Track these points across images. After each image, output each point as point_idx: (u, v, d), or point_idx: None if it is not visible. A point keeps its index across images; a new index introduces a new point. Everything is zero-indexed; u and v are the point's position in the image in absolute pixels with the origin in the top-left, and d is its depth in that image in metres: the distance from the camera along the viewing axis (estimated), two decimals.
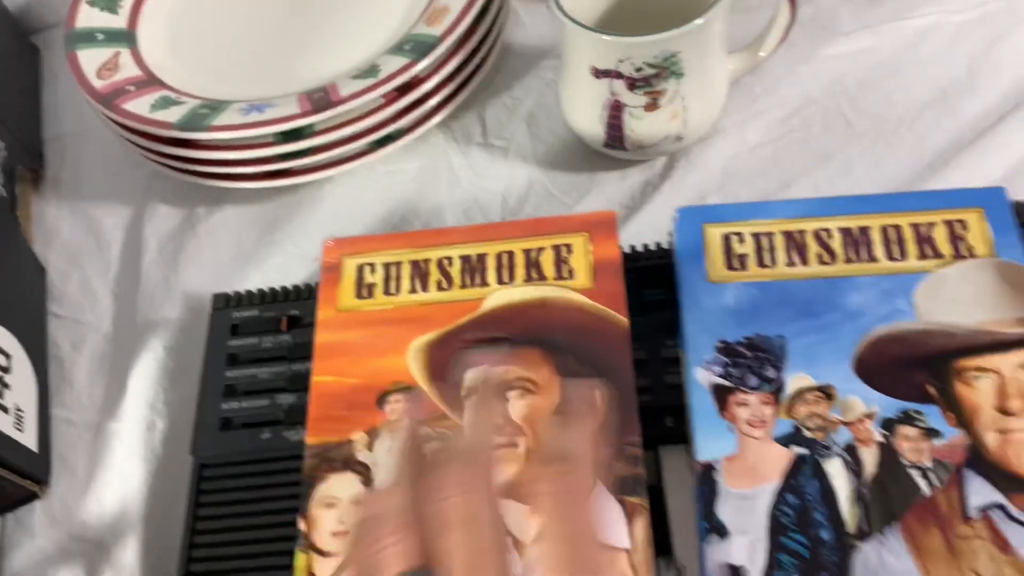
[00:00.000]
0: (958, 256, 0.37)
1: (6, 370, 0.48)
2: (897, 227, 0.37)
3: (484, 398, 0.38)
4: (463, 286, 0.42)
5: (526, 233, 0.43)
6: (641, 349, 0.41)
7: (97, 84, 0.55)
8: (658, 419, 0.40)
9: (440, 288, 0.42)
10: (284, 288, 0.48)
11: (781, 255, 0.38)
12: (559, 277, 0.41)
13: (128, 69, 0.57)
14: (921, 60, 0.56)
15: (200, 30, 0.61)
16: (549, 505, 0.35)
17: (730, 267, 0.38)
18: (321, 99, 0.52)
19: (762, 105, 0.56)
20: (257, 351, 0.45)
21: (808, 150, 0.54)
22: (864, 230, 0.37)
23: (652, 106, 0.50)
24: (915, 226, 0.38)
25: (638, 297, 0.42)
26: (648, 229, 0.51)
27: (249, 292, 0.48)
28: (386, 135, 0.54)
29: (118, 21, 0.60)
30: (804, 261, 0.37)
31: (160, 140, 0.54)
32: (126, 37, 0.60)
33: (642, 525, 0.34)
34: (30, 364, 0.51)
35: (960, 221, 0.38)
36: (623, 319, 0.40)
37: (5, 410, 0.46)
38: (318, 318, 0.42)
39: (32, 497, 0.48)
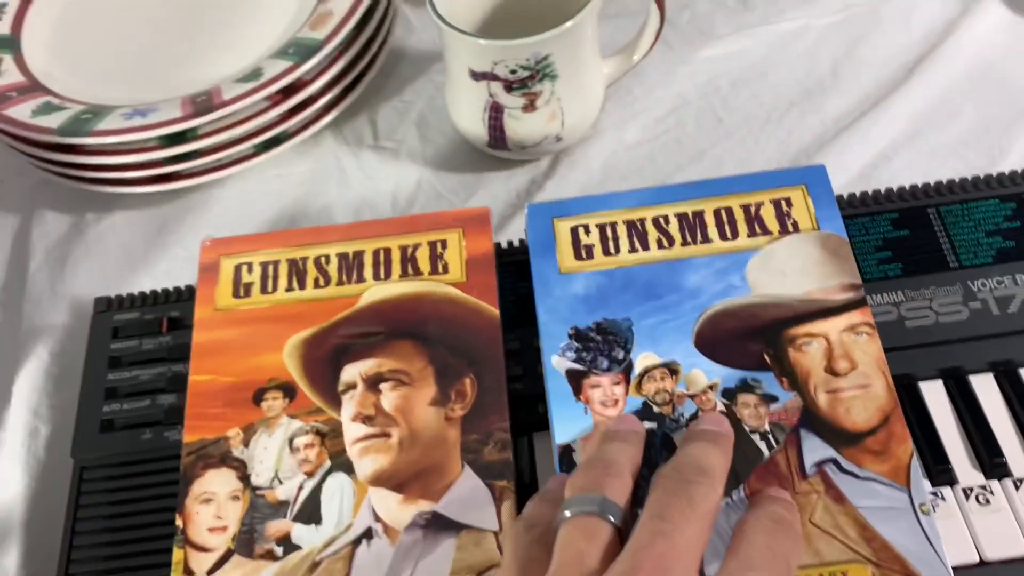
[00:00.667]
0: (784, 232, 0.40)
1: None
2: (728, 209, 0.40)
3: (359, 392, 0.39)
4: (340, 283, 0.42)
5: (402, 230, 0.44)
6: (515, 340, 0.43)
7: None
8: (531, 407, 0.41)
9: (317, 285, 0.42)
10: (165, 290, 0.48)
11: (624, 243, 0.40)
12: (434, 272, 0.42)
13: (10, 75, 0.57)
14: (789, 61, 0.59)
15: (85, 36, 0.61)
16: (419, 492, 0.37)
17: (578, 257, 0.40)
18: (204, 102, 0.52)
19: (640, 106, 0.58)
20: (138, 353, 0.46)
21: (683, 148, 0.56)
22: (698, 214, 0.39)
23: (530, 107, 0.52)
24: (745, 207, 0.40)
25: (513, 290, 0.44)
26: None
27: (130, 295, 0.48)
28: (273, 137, 0.55)
29: (1, 27, 0.60)
30: (645, 247, 0.39)
31: (46, 147, 0.53)
32: (9, 43, 0.59)
33: (509, 507, 0.36)
34: None
35: (786, 199, 0.40)
36: (494, 310, 0.41)
37: None
38: (195, 317, 0.43)
39: None
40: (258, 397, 0.40)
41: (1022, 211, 0.44)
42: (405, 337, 0.40)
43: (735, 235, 0.39)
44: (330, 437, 0.39)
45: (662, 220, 0.40)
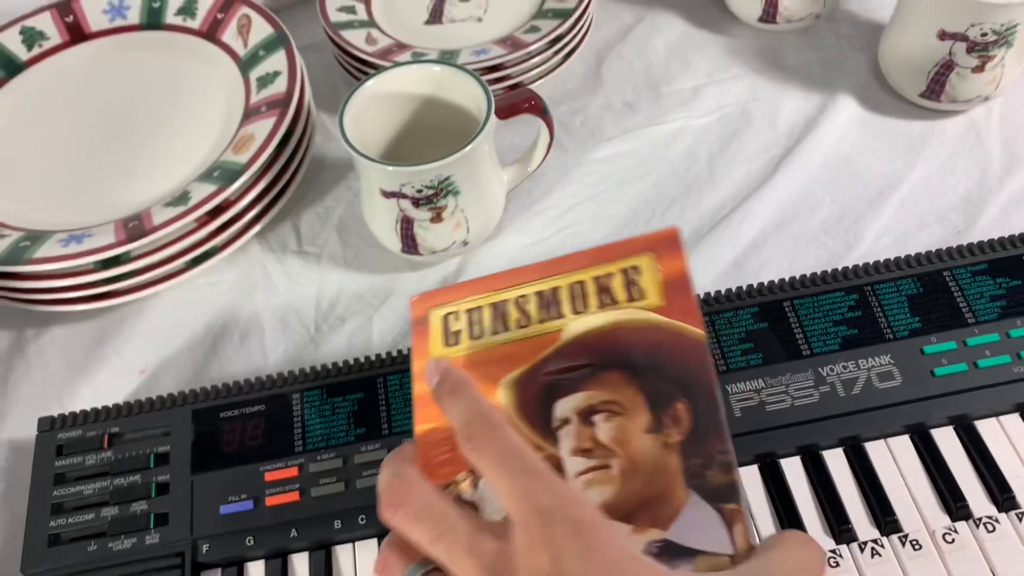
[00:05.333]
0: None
1: None
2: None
3: (574, 426, 0.39)
4: (541, 321, 0.41)
5: (593, 262, 0.42)
6: None
7: None
8: None
9: (520, 326, 0.42)
10: (105, 407, 0.52)
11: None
12: (630, 299, 0.41)
13: None
14: (670, 159, 0.66)
15: (18, 161, 0.65)
16: (648, 521, 0.36)
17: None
18: (136, 227, 0.57)
19: (540, 206, 0.64)
20: (82, 468, 0.49)
21: (579, 242, 0.62)
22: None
23: (437, 219, 0.57)
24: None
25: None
26: None
27: (72, 413, 0.52)
28: (202, 253, 0.60)
29: None
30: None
31: None
32: None
33: (741, 530, 0.35)
34: None
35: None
36: (698, 331, 0.39)
37: None
38: (413, 370, 0.42)
39: None
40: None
41: (863, 301, 0.51)
42: (612, 368, 0.39)
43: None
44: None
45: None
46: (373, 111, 0.58)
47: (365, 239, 0.64)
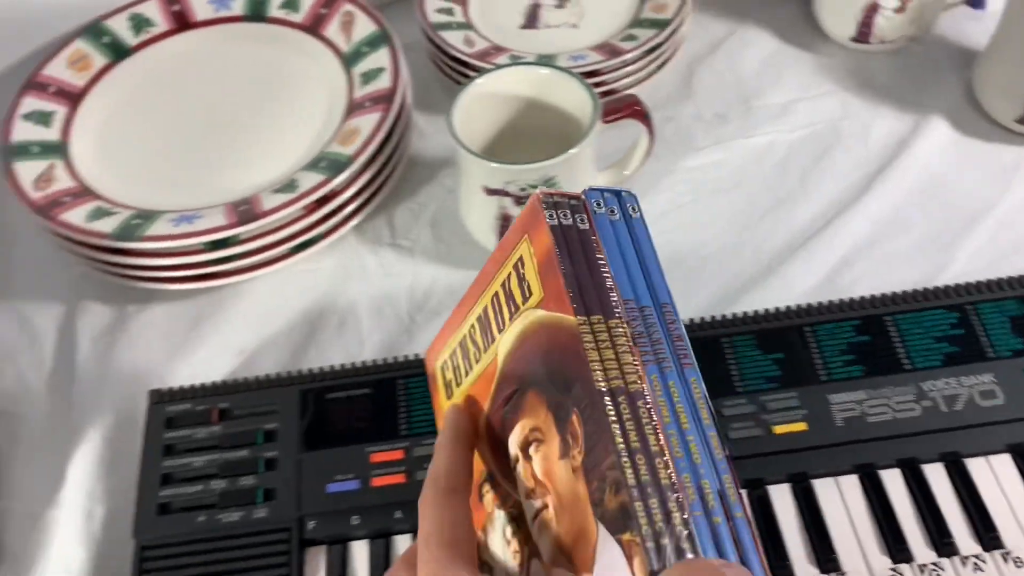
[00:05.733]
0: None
1: None
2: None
3: (520, 464, 0.34)
4: (485, 348, 0.36)
5: (498, 265, 0.36)
6: None
7: (35, 196, 0.60)
8: None
9: (475, 360, 0.37)
10: (214, 383, 0.54)
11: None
12: (524, 299, 0.34)
13: (63, 181, 0.63)
14: (762, 172, 0.67)
15: (127, 142, 0.67)
16: (583, 564, 0.30)
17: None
18: (246, 211, 0.58)
19: None
20: (191, 442, 0.51)
21: (668, 250, 0.63)
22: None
23: None
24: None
25: None
26: None
27: (182, 388, 0.54)
28: (305, 240, 0.61)
29: (52, 134, 0.66)
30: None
31: (98, 248, 0.59)
32: (60, 149, 0.65)
33: (640, 564, 0.27)
34: None
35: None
36: (569, 317, 0.31)
37: None
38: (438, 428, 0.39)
39: None
40: (480, 494, 0.37)
41: (964, 320, 0.52)
42: (528, 388, 0.34)
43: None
44: (521, 520, 0.34)
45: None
46: (478, 109, 0.60)
47: (458, 235, 0.65)
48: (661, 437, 0.29)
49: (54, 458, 0.56)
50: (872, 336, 0.52)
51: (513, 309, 0.34)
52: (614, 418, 0.29)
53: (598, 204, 0.33)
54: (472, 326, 0.37)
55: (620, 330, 0.30)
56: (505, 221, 0.59)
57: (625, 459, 0.28)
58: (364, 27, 0.69)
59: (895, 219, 0.63)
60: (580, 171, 0.57)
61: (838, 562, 0.45)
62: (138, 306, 0.63)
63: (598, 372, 0.29)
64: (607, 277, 0.31)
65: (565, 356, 0.31)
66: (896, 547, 0.45)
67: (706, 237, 0.64)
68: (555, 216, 0.32)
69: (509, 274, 0.35)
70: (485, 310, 0.36)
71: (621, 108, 0.58)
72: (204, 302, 0.63)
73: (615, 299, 0.31)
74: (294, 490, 0.49)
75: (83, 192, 0.62)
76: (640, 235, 0.34)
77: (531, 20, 0.74)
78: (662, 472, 0.28)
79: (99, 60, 0.70)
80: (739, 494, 0.29)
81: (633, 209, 0.35)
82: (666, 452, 0.29)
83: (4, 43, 0.73)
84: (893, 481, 0.48)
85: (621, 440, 0.28)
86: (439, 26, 0.71)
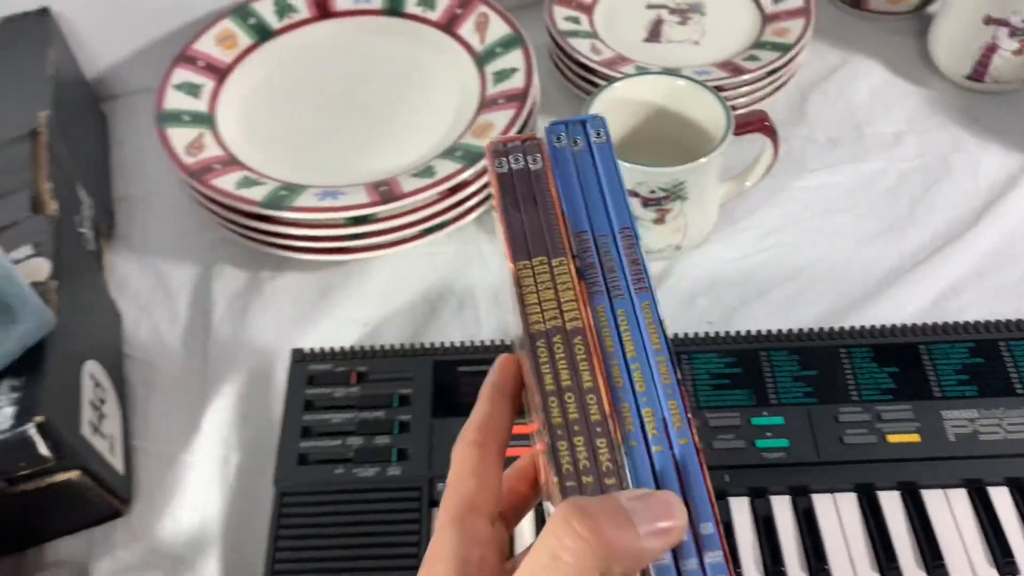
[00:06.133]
0: None
1: (103, 401, 0.56)
2: None
3: None
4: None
5: None
6: None
7: (188, 161, 0.64)
8: None
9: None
10: (352, 348, 0.57)
11: None
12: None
13: (212, 149, 0.66)
14: (872, 197, 0.69)
15: (268, 120, 0.71)
16: None
17: None
18: (386, 191, 0.62)
19: (744, 224, 0.68)
20: (330, 399, 0.54)
21: (780, 264, 0.65)
22: None
23: (660, 220, 0.61)
24: None
25: None
26: None
27: (323, 349, 0.57)
28: (435, 224, 0.64)
29: (200, 105, 0.70)
30: None
31: (240, 213, 0.63)
32: (208, 120, 0.69)
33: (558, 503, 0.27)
34: (116, 397, 0.58)
35: None
36: (510, 263, 0.32)
37: (103, 436, 0.54)
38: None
39: (116, 514, 0.55)
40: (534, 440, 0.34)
41: None
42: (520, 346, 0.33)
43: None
44: None
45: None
46: (607, 113, 0.62)
47: None
48: (598, 372, 0.29)
49: (188, 408, 0.60)
50: (986, 359, 0.53)
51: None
52: (544, 359, 0.29)
53: (558, 138, 0.33)
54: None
55: (563, 268, 0.30)
56: None
57: (553, 400, 0.28)
58: (498, 29, 0.72)
59: (1003, 252, 0.65)
60: (706, 179, 0.60)
61: (945, 569, 0.47)
62: (271, 273, 0.67)
63: (535, 315, 0.29)
64: (555, 216, 0.31)
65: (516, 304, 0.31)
66: (1003, 560, 0.47)
67: (816, 255, 0.66)
68: (504, 163, 0.32)
69: None
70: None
71: (752, 123, 0.61)
72: (333, 274, 0.67)
73: (561, 236, 0.31)
74: (425, 453, 0.52)
75: (230, 161, 0.66)
76: (604, 160, 0.33)
77: (654, 34, 0.77)
78: (592, 408, 0.28)
79: (244, 40, 0.75)
80: (687, 420, 0.28)
81: (598, 134, 0.34)
82: (602, 386, 0.29)
83: (157, 16, 0.78)
84: (1001, 498, 0.50)
85: (551, 381, 0.29)
86: (567, 33, 0.74)
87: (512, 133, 0.65)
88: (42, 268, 0.54)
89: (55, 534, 0.55)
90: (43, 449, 0.49)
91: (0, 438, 0.47)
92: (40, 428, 0.48)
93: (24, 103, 0.66)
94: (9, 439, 0.47)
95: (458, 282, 0.66)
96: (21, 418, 0.48)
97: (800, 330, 0.56)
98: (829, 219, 0.68)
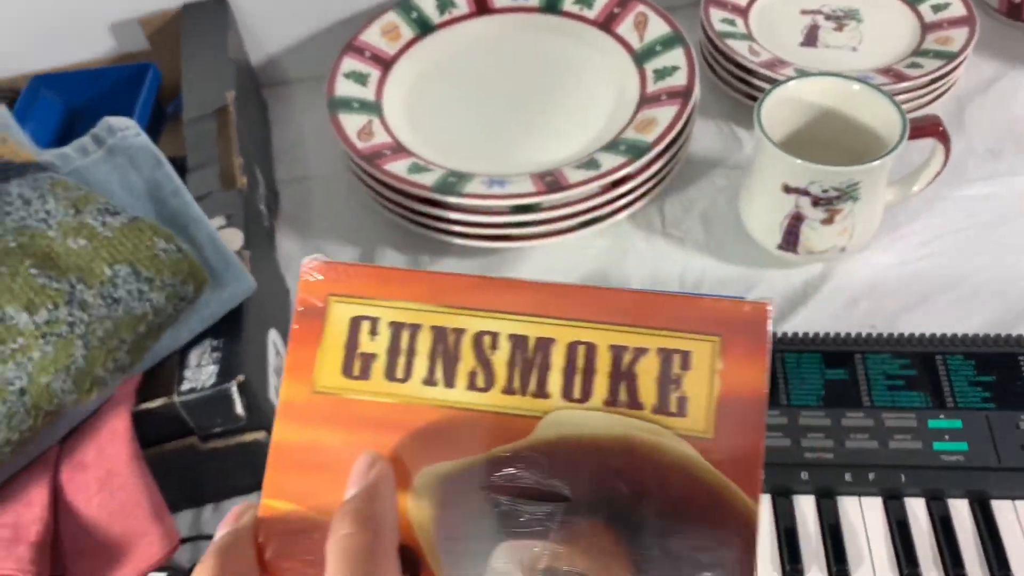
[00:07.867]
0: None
1: (280, 370, 0.58)
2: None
3: None
4: (508, 390, 0.26)
5: (621, 316, 0.27)
6: None
7: (360, 146, 0.67)
8: None
9: (473, 386, 0.27)
10: None
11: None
12: (661, 408, 0.26)
13: (381, 135, 0.69)
14: None
15: (432, 110, 0.73)
16: None
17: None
18: (552, 182, 0.63)
19: (905, 231, 0.67)
20: None
21: (942, 272, 0.65)
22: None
23: (828, 221, 0.61)
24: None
25: None
26: (805, 324, 0.62)
27: None
28: (594, 217, 0.65)
29: (368, 93, 0.72)
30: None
31: (410, 197, 0.65)
32: (375, 108, 0.72)
33: None
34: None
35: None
36: (751, 502, 0.25)
37: None
38: (281, 396, 0.28)
39: None
40: None
41: None
42: (600, 515, 0.25)
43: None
44: None
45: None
46: (777, 112, 0.63)
47: (731, 233, 0.68)
48: None
49: None
50: None
51: (624, 399, 0.26)
52: None
53: None
54: (491, 336, 0.27)
55: None
56: (796, 221, 0.61)
57: None
58: (657, 28, 0.73)
59: None
60: (879, 181, 0.60)
61: None
62: (431, 257, 0.69)
63: None
64: None
65: (715, 534, 0.24)
66: None
67: (979, 264, 0.65)
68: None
69: (644, 349, 0.26)
70: (545, 344, 0.27)
71: (926, 128, 0.60)
72: (489, 261, 0.68)
73: None
74: None
75: (399, 148, 0.68)
76: None
77: (810, 39, 0.77)
78: None
79: (407, 32, 0.77)
80: None
81: None
82: None
83: (319, 7, 0.81)
84: None
85: None
86: (724, 35, 0.75)
87: (678, 128, 0.65)
88: (236, 238, 0.57)
89: (232, 493, 0.58)
90: (239, 408, 0.51)
91: (204, 395, 0.50)
92: (240, 388, 0.50)
93: (208, 84, 0.69)
94: (212, 396, 0.50)
95: (613, 274, 0.67)
96: (223, 376, 0.50)
97: (976, 335, 0.55)
98: (992, 230, 0.67)
